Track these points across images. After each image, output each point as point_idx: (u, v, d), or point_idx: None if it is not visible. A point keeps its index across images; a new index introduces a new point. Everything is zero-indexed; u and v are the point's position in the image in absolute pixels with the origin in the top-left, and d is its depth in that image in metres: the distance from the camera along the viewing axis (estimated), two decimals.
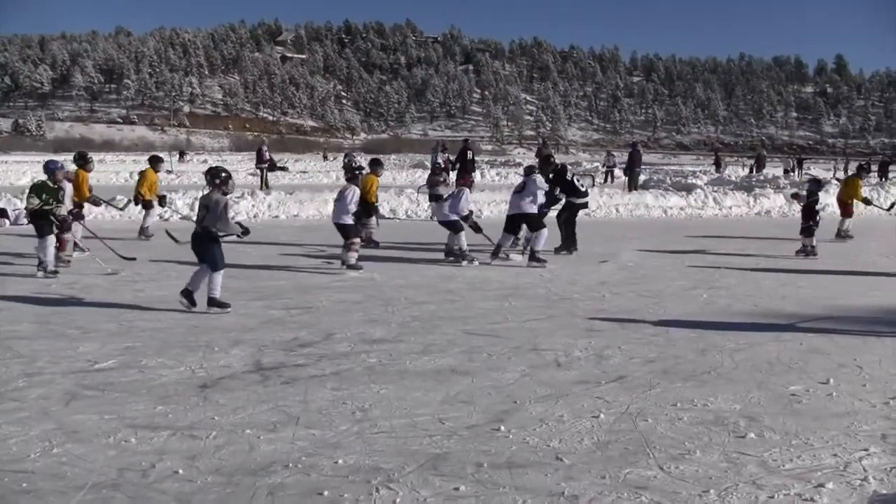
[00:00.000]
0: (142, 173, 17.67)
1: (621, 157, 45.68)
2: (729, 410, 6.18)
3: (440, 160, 31.51)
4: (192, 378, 6.89)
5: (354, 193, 13.37)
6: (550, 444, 5.42)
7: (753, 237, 16.52)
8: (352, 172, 14.42)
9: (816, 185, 17.18)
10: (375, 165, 17.10)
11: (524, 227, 14.45)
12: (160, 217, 18.62)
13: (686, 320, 9.52)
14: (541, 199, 14.30)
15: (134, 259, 13.43)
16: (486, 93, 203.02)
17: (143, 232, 16.62)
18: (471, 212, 14.38)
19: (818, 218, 15.61)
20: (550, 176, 15.26)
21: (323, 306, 10.09)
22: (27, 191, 12.88)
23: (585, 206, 16.35)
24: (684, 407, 6.24)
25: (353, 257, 12.96)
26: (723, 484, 4.80)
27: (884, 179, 36.34)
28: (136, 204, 17.92)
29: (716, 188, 29.74)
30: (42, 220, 12.02)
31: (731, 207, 26.02)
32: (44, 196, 12.11)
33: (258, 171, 35.46)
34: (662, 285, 12.08)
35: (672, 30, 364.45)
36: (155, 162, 17.72)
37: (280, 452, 5.20)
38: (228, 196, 10.20)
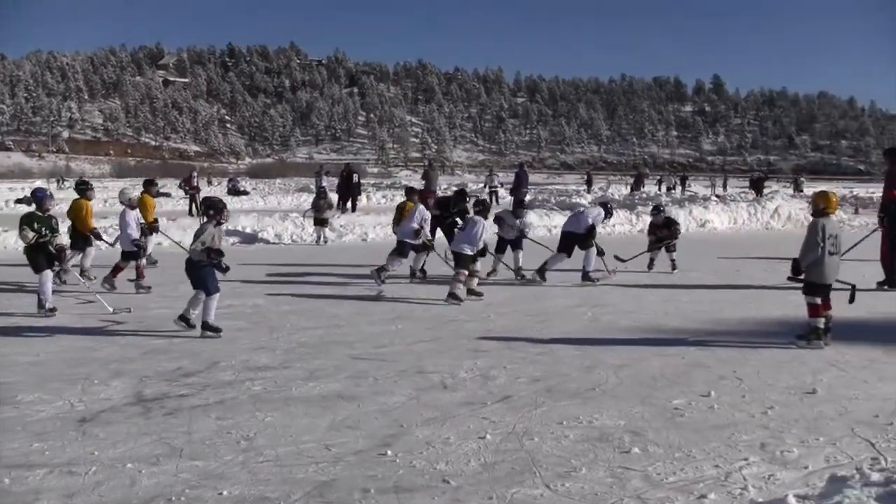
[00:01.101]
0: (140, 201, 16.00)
1: (506, 176, 46.09)
2: (614, 426, 6.27)
3: (324, 184, 31.57)
4: (70, 412, 6.69)
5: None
6: (437, 467, 5.42)
7: (636, 254, 16.76)
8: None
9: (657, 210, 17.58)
10: (149, 185, 16.84)
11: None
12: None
13: (571, 338, 9.66)
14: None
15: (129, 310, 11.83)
16: (372, 115, 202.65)
17: (148, 259, 15.53)
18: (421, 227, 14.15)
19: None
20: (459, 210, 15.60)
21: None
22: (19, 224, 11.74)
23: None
24: (570, 424, 6.30)
25: (458, 287, 12.56)
26: (608, 499, 4.87)
27: (759, 196, 37.36)
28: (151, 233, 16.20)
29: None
30: (39, 252, 11.43)
31: (613, 225, 26.41)
32: (36, 226, 11.40)
33: (188, 196, 35.41)
34: (547, 304, 12.23)
35: (555, 51, 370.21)
36: (149, 185, 16.89)
37: (163, 486, 5.09)
38: (223, 226, 10.52)
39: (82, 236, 14.49)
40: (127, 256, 13.73)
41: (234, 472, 5.32)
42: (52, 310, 11.28)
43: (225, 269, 10.07)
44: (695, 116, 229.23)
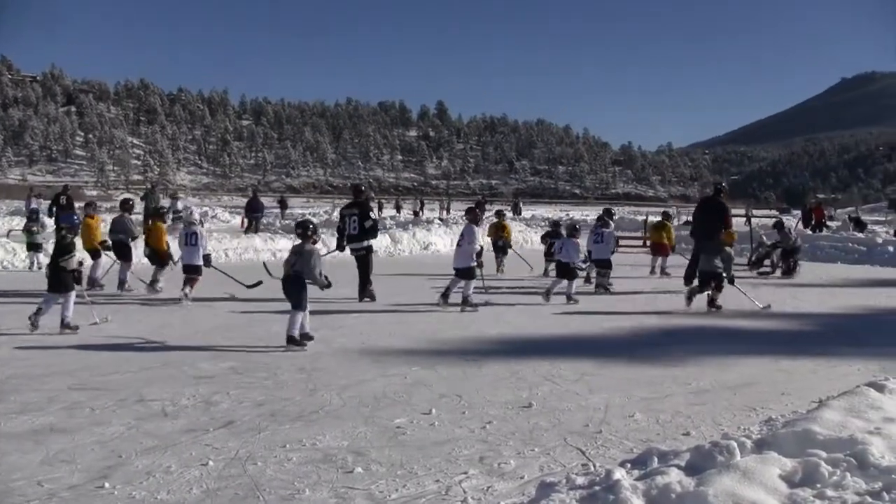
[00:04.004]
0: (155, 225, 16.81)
1: (230, 200, 45.16)
2: (337, 447, 6.30)
3: (35, 205, 30.21)
4: None
5: (473, 232, 14.69)
6: (158, 497, 5.27)
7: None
8: (471, 212, 15.74)
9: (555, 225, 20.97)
10: (90, 207, 17.46)
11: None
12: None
13: (296, 362, 9.61)
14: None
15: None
16: (91, 136, 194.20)
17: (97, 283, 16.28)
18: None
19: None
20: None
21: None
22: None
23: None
24: (293, 447, 6.28)
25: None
26: None
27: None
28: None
29: (324, 230, 30.31)
30: (65, 274, 11.79)
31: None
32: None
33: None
34: (275, 328, 12.10)
35: (280, 74, 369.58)
36: (89, 208, 17.74)
37: None
38: (317, 245, 11.45)
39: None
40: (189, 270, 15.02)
41: None
42: (76, 326, 11.65)
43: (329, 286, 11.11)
44: (419, 141, 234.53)
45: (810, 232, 34.71)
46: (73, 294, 11.83)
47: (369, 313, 13.85)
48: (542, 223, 44.87)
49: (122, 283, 16.26)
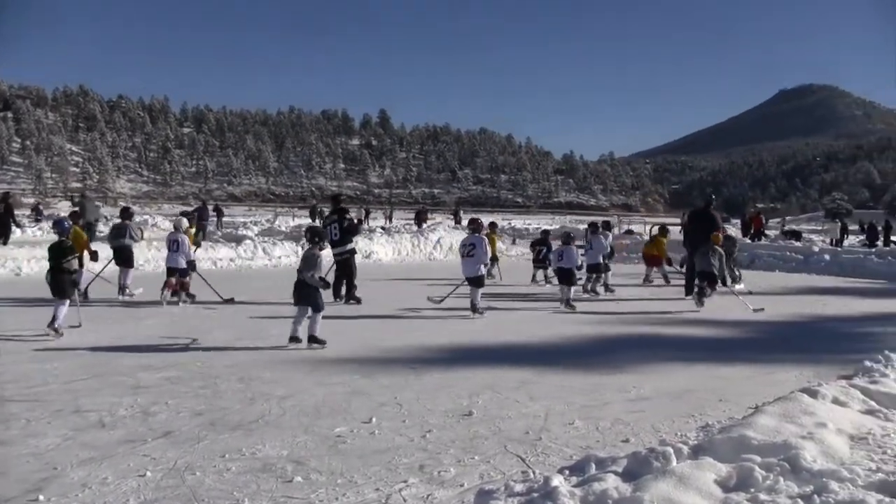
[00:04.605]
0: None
1: (171, 208, 44.72)
2: (276, 456, 6.26)
3: None
4: None
5: (483, 243, 15.40)
6: None
7: None
8: (475, 224, 16.37)
9: (545, 234, 23.15)
10: (77, 217, 18.17)
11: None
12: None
13: (235, 371, 9.53)
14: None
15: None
16: (28, 142, 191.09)
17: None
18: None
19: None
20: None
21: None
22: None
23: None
24: (232, 457, 6.23)
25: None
26: None
27: (421, 227, 38.71)
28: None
29: (265, 238, 30.18)
30: (65, 277, 12.25)
31: (280, 257, 26.49)
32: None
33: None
34: (210, 338, 12.01)
35: (223, 82, 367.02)
36: (77, 217, 18.02)
37: None
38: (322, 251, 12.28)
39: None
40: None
41: None
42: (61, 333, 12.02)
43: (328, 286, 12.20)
44: (362, 150, 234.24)
45: (749, 241, 35.21)
46: (68, 301, 12.25)
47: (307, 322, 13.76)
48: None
49: (122, 289, 16.69)
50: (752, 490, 4.33)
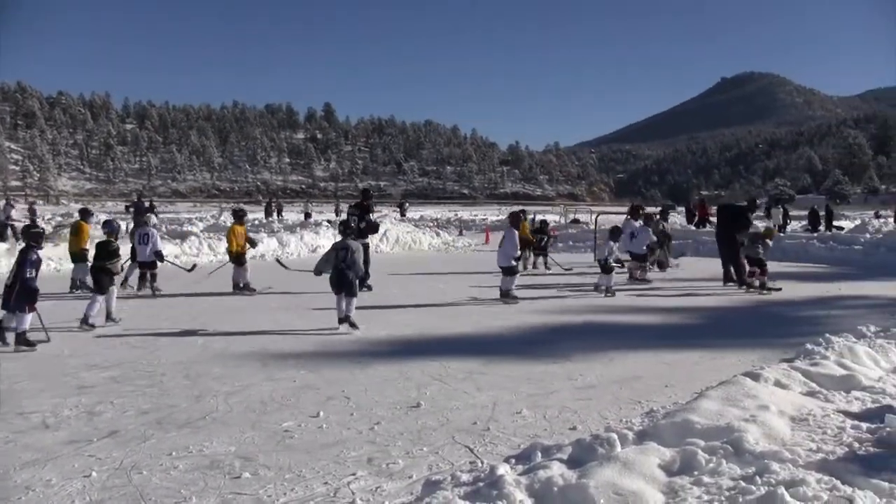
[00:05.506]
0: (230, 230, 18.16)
1: (115, 206, 44.12)
2: (224, 453, 6.24)
3: None
4: None
5: (514, 235, 16.29)
6: None
7: (252, 282, 16.87)
8: (513, 217, 17.61)
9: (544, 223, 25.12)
10: (87, 215, 18.92)
11: None
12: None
13: (182, 368, 9.46)
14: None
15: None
16: None
17: (247, 287, 17.10)
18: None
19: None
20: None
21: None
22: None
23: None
24: (180, 455, 6.19)
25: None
26: None
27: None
28: (232, 261, 17.80)
29: (210, 234, 29.94)
30: (104, 275, 12.95)
31: (225, 253, 26.25)
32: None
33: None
34: (157, 334, 11.89)
35: (165, 77, 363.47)
36: (240, 217, 18.60)
37: None
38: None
39: None
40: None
41: None
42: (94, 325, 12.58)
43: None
44: (307, 143, 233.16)
45: (694, 228, 35.56)
46: (102, 296, 12.89)
47: (253, 317, 13.71)
48: (431, 224, 45.17)
49: (125, 281, 17.05)
50: (696, 473, 4.39)
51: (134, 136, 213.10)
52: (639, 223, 20.41)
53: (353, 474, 5.75)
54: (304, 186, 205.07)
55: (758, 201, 20.66)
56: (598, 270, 17.73)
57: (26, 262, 10.93)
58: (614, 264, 17.62)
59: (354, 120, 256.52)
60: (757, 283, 17.44)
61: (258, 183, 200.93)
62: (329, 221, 38.18)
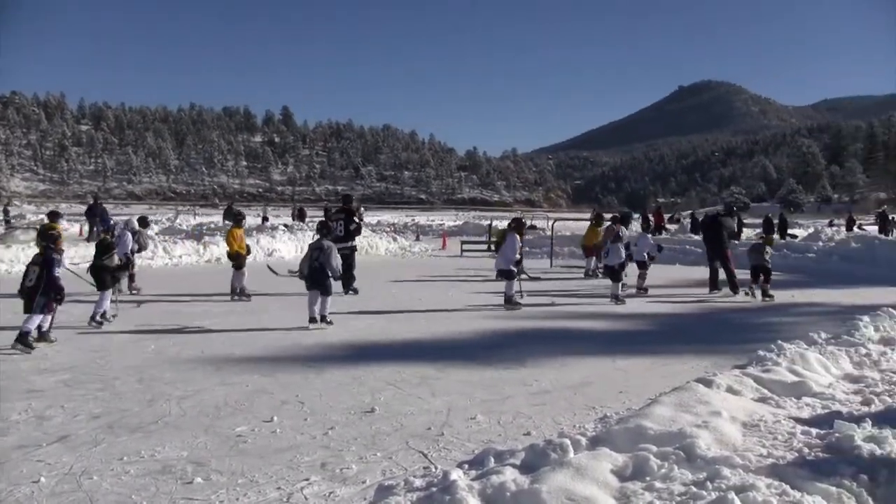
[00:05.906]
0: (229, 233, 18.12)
1: (70, 207, 43.68)
2: (176, 458, 6.19)
3: None
4: None
5: (515, 241, 16.03)
6: None
7: (206, 286, 16.77)
8: (517, 222, 17.24)
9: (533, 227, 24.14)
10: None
11: None
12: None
13: (134, 372, 9.38)
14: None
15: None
16: None
17: (244, 293, 16.87)
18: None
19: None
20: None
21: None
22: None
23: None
24: (131, 460, 6.14)
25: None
26: None
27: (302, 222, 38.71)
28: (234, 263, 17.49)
29: (166, 237, 29.73)
30: (105, 272, 13.18)
31: (181, 256, 26.11)
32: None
33: None
34: (107, 339, 11.75)
35: (122, 78, 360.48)
36: (238, 220, 18.74)
37: None
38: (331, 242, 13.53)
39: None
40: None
41: None
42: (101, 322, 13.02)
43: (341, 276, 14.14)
44: (264, 147, 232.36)
45: (651, 235, 35.78)
46: (108, 292, 13.22)
47: (208, 321, 13.62)
48: (387, 229, 45.16)
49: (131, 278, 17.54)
50: (648, 478, 4.41)
51: (89, 138, 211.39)
52: (635, 231, 20.62)
53: (307, 479, 5.72)
54: (261, 190, 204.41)
55: (734, 208, 21.00)
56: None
57: (53, 262, 11.13)
58: (648, 261, 19.24)
59: (312, 124, 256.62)
60: (759, 290, 17.61)
61: (215, 186, 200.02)
62: (286, 225, 37.97)
